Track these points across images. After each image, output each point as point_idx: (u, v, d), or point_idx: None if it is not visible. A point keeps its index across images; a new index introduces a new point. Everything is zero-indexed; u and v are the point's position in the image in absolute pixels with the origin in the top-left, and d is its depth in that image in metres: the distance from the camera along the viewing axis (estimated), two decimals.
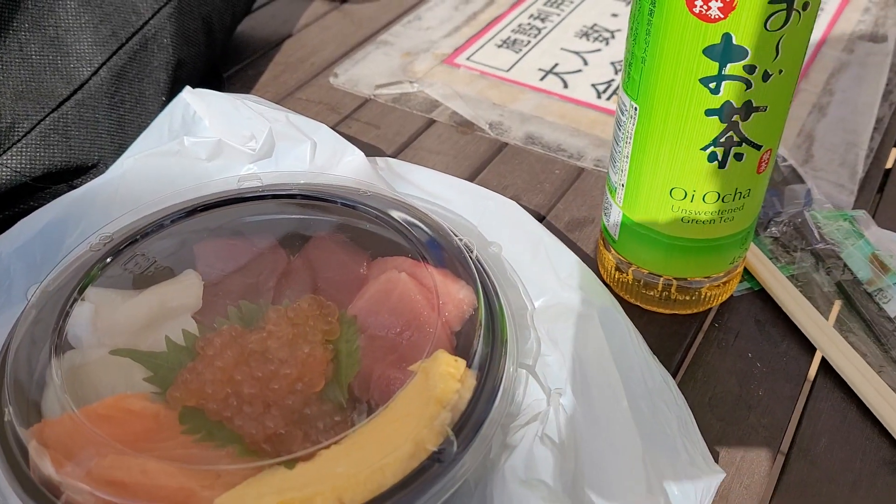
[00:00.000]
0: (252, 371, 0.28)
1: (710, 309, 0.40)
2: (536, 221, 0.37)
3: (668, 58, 0.31)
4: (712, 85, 0.31)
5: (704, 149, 0.32)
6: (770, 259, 0.41)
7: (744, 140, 0.32)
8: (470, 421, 0.26)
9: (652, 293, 0.39)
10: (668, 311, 0.39)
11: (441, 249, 0.32)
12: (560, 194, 0.47)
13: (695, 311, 0.39)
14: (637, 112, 0.34)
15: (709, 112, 0.31)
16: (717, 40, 0.29)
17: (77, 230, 0.38)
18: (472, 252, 0.32)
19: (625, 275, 0.39)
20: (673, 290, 0.39)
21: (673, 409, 0.31)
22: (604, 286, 0.34)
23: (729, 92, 0.31)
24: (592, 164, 0.48)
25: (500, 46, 0.59)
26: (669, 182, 0.34)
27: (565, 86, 0.55)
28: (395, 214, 0.34)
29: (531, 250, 0.36)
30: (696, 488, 0.28)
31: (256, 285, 0.33)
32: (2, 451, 0.26)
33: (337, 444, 0.27)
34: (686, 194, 0.34)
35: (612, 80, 0.55)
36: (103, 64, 0.43)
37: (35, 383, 0.28)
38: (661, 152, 0.33)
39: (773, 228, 0.43)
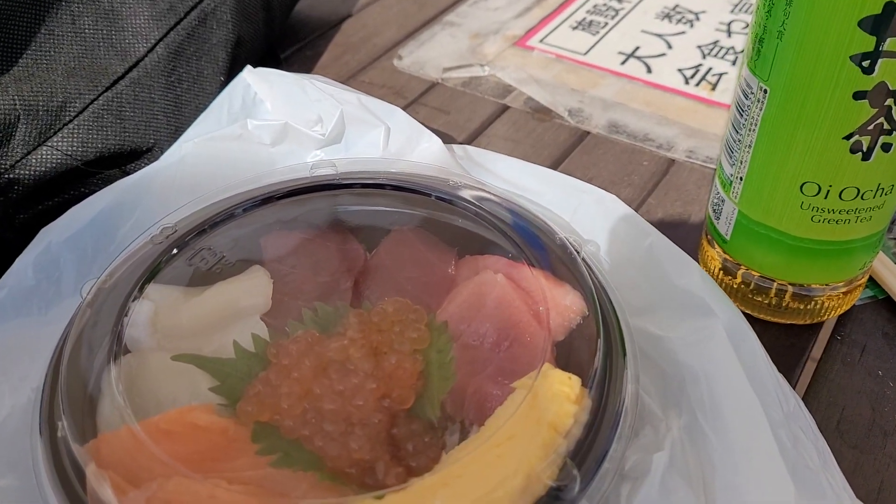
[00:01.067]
0: (333, 384, 0.25)
1: (827, 320, 0.35)
2: (643, 219, 0.33)
3: (814, 31, 0.27)
4: (866, 63, 0.26)
5: (848, 137, 0.28)
6: (895, 264, 0.37)
7: (895, 128, 0.28)
8: (592, 451, 0.23)
9: (761, 299, 0.35)
10: (780, 321, 0.35)
11: (543, 248, 0.29)
12: (651, 188, 0.42)
13: (809, 321, 0.35)
14: (767, 95, 0.29)
15: (857, 95, 0.27)
16: (878, 10, 0.25)
17: (132, 219, 0.35)
18: (579, 252, 0.29)
19: (733, 278, 0.35)
20: (787, 296, 0.34)
21: (811, 437, 0.27)
22: (725, 294, 0.30)
23: (885, 72, 0.26)
24: (684, 155, 0.44)
25: (575, 28, 0.55)
26: (801, 175, 0.30)
27: (649, 70, 0.51)
28: (488, 207, 0.30)
29: (638, 251, 0.32)
30: None
31: (332, 285, 0.29)
32: (55, 470, 0.22)
33: (431, 473, 0.23)
34: (820, 189, 0.30)
35: (700, 64, 0.51)
36: (160, 40, 0.40)
37: (90, 392, 0.25)
38: (795, 141, 0.29)
39: None
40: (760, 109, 0.30)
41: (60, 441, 0.23)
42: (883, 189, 0.30)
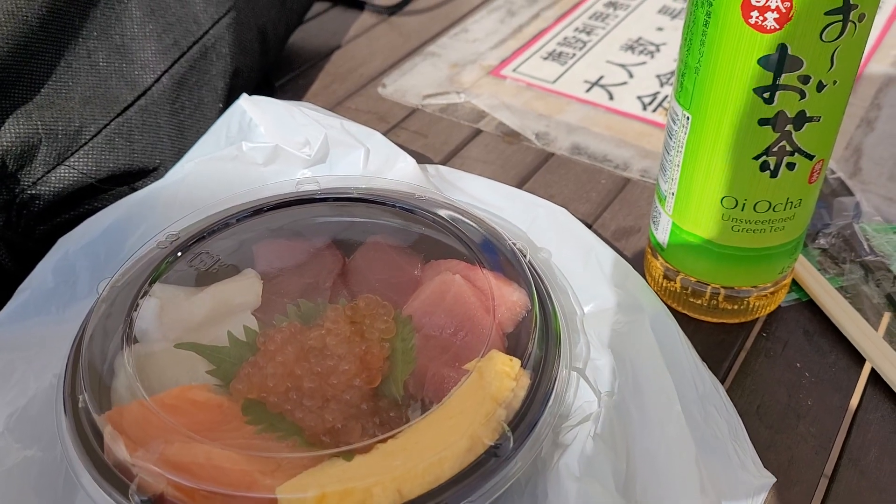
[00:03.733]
0: (312, 366, 0.29)
1: (757, 319, 0.40)
2: (587, 228, 0.38)
3: (723, 68, 0.31)
4: (766, 95, 0.31)
5: (757, 158, 0.33)
6: (818, 270, 0.41)
7: (796, 150, 0.33)
8: (525, 419, 0.27)
9: (699, 302, 0.39)
10: (715, 320, 0.40)
11: (494, 253, 0.33)
12: (606, 204, 0.47)
13: (742, 320, 0.39)
14: (689, 121, 0.34)
15: (762, 121, 0.32)
16: (773, 51, 0.30)
17: (139, 230, 0.39)
18: (525, 256, 0.33)
19: (672, 283, 0.39)
20: (721, 298, 0.39)
21: (723, 414, 0.31)
22: (654, 292, 0.34)
23: (783, 102, 0.31)
24: (639, 174, 0.49)
25: (545, 59, 0.60)
26: (720, 191, 0.34)
27: (611, 97, 0.55)
28: (449, 217, 0.35)
29: (582, 256, 0.36)
30: (747, 492, 0.29)
31: (314, 285, 0.34)
32: (77, 434, 0.27)
33: (394, 439, 0.27)
34: (737, 203, 0.34)
35: (658, 92, 0.56)
36: (165, 71, 0.44)
37: (105, 372, 0.29)
38: (713, 161, 0.34)
39: (821, 240, 0.43)
40: (685, 134, 0.35)
41: (81, 411, 0.27)
42: (791, 202, 0.34)
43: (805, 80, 0.30)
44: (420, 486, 0.25)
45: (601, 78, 0.57)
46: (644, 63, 0.59)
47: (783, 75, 0.30)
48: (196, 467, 0.26)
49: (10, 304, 0.37)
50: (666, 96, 0.55)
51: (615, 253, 0.36)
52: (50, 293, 0.37)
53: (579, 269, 0.36)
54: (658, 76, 0.57)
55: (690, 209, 0.36)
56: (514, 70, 0.59)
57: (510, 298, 0.32)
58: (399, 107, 0.56)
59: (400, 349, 0.31)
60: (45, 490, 0.30)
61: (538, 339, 0.29)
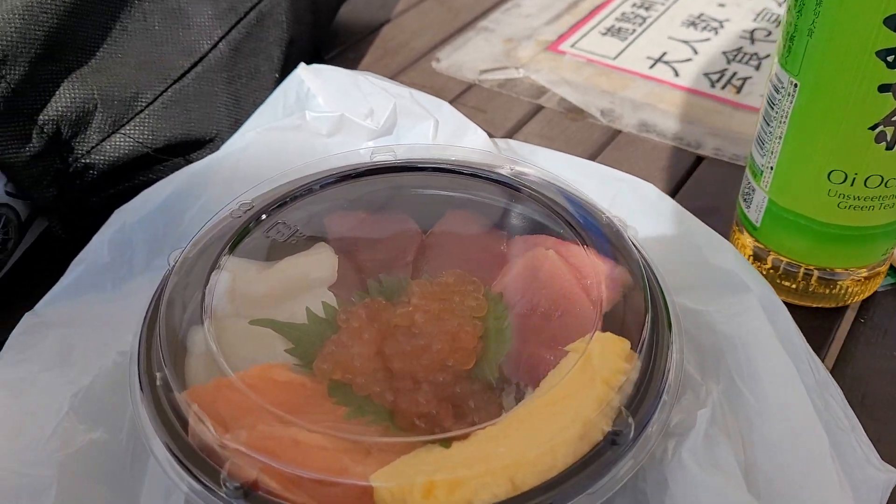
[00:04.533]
0: (401, 346, 0.27)
1: (848, 305, 0.37)
2: (679, 205, 0.35)
3: (843, 28, 0.29)
4: (890, 58, 0.29)
5: (873, 128, 0.30)
6: None
7: None
8: (643, 404, 0.25)
9: (790, 284, 0.37)
10: (805, 304, 0.37)
11: (590, 227, 0.31)
12: (680, 183, 0.45)
13: (834, 305, 0.37)
14: (797, 89, 0.32)
15: (882, 88, 0.29)
16: None
17: (199, 202, 0.37)
18: (625, 230, 0.31)
19: (762, 263, 0.37)
20: (813, 280, 0.36)
21: (839, 404, 0.29)
22: (758, 273, 0.32)
23: None
24: (712, 152, 0.46)
25: (604, 34, 0.57)
26: (829, 164, 0.32)
27: (676, 74, 0.53)
28: (538, 189, 0.33)
29: (675, 234, 0.34)
30: (874, 487, 0.26)
31: (393, 259, 0.32)
32: (157, 415, 0.25)
33: (493, 425, 0.25)
34: (846, 177, 0.32)
35: (726, 69, 0.53)
36: (222, 37, 0.42)
37: (178, 350, 0.27)
38: (823, 132, 0.32)
39: None
40: (791, 103, 0.32)
41: (160, 388, 0.25)
42: None
43: None
44: (534, 476, 0.23)
45: (664, 54, 0.55)
46: (708, 39, 0.56)
47: None
48: (285, 451, 0.24)
49: (65, 278, 0.35)
50: (735, 73, 0.53)
51: (712, 230, 0.34)
52: (105, 268, 0.35)
53: (674, 247, 0.34)
54: (724, 53, 0.55)
55: (792, 184, 0.34)
56: (572, 46, 0.56)
57: (609, 275, 0.29)
58: (455, 82, 0.53)
59: (493, 329, 0.29)
60: (112, 475, 0.28)
61: (651, 321, 0.27)
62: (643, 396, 0.25)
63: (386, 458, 0.24)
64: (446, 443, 0.25)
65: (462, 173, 0.34)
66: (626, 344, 0.26)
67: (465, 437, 0.25)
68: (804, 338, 0.31)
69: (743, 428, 0.27)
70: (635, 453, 0.24)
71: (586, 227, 0.31)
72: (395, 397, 0.26)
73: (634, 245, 0.30)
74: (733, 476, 0.24)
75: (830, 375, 0.30)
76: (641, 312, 0.27)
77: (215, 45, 0.42)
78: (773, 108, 0.33)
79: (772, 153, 0.34)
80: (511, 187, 0.33)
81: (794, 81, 0.32)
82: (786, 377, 0.27)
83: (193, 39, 0.41)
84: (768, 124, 0.34)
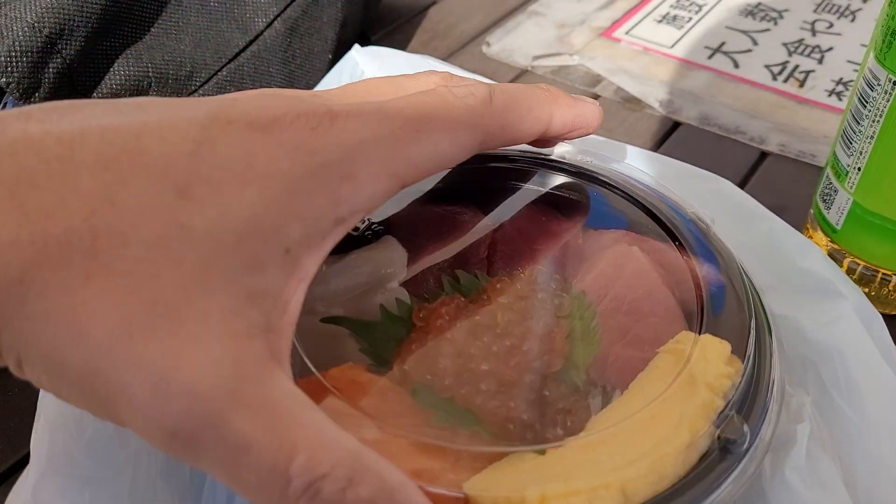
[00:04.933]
0: (487, 346, 0.26)
1: None
2: (757, 202, 0.34)
3: None
4: None
5: None
6: None
7: None
8: (753, 411, 0.23)
9: (865, 289, 0.35)
10: (882, 311, 0.36)
11: (675, 221, 0.30)
12: (745, 179, 0.43)
13: None
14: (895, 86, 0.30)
15: None
16: None
17: None
18: (710, 226, 0.29)
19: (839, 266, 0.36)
20: (891, 286, 0.35)
21: None
22: (849, 279, 0.30)
23: None
24: (777, 148, 0.45)
25: (659, 22, 0.56)
26: None
27: (736, 66, 0.51)
28: (614, 181, 0.31)
29: (755, 235, 0.33)
30: None
31: (464, 255, 0.30)
32: None
33: (587, 433, 0.24)
34: None
35: (787, 61, 0.51)
36: (278, 15, 0.41)
37: None
38: None
39: None
40: (887, 101, 0.31)
41: None
42: None
43: None
44: (645, 488, 0.22)
45: (723, 44, 0.53)
46: (768, 30, 0.54)
47: None
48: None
49: None
50: (797, 66, 0.51)
51: (795, 230, 0.32)
52: None
53: (755, 246, 0.32)
54: (785, 44, 0.53)
55: (882, 186, 0.32)
56: (627, 33, 0.55)
57: (696, 274, 0.28)
58: (507, 67, 0.52)
59: (579, 329, 0.27)
60: (173, 475, 0.27)
61: (756, 325, 0.26)
62: (752, 403, 0.24)
63: (476, 465, 0.23)
64: (542, 450, 0.24)
65: (532, 162, 0.32)
66: (727, 347, 0.25)
67: (560, 444, 0.24)
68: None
69: (841, 444, 0.26)
70: (747, 464, 0.22)
71: (671, 221, 0.29)
72: (484, 400, 0.25)
73: (721, 243, 0.29)
74: (841, 496, 0.23)
75: None
76: (741, 314, 0.26)
77: (271, 24, 0.40)
78: (865, 106, 0.32)
79: (861, 153, 0.33)
80: (586, 178, 0.32)
81: (893, 78, 0.30)
82: (889, 391, 0.26)
83: (249, 17, 0.40)
84: (858, 122, 0.32)
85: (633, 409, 0.24)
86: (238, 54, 0.39)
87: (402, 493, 0.19)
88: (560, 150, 0.33)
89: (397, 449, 0.23)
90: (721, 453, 0.22)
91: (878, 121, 0.31)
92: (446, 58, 0.53)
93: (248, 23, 0.40)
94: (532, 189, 0.33)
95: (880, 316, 0.29)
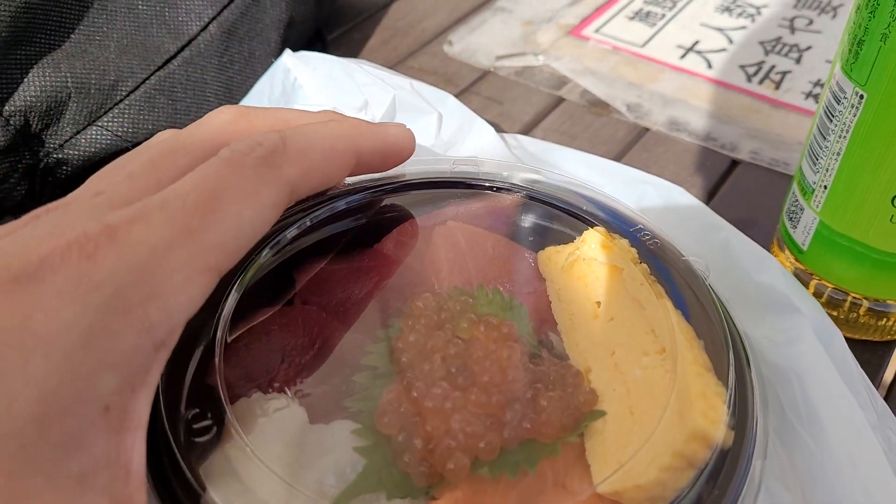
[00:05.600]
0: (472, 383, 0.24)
1: None
2: (714, 213, 0.31)
3: None
4: None
5: None
6: None
7: None
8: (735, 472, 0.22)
9: (834, 312, 0.33)
10: (850, 336, 0.33)
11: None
12: (714, 190, 0.41)
13: (881, 338, 0.34)
14: (863, 100, 0.28)
15: None
16: None
17: None
18: (707, 276, 0.27)
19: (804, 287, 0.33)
20: (861, 311, 0.33)
21: None
22: (808, 293, 0.28)
23: None
24: (749, 156, 0.43)
25: (631, 19, 0.53)
26: (894, 187, 0.28)
27: (709, 66, 0.49)
28: (551, 197, 0.30)
29: (710, 246, 0.30)
30: None
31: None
32: None
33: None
34: None
35: (763, 61, 0.49)
36: (213, 18, 0.38)
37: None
38: (890, 151, 0.28)
39: None
40: (854, 115, 0.28)
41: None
42: None
43: None
44: None
45: (696, 43, 0.51)
46: (744, 27, 0.52)
47: None
48: None
49: None
50: (773, 66, 0.48)
51: (751, 240, 0.30)
52: None
53: (708, 259, 0.30)
54: (762, 43, 0.50)
55: (849, 207, 0.30)
56: (596, 31, 0.52)
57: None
58: (468, 68, 0.49)
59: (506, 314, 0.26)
60: None
61: (735, 362, 0.24)
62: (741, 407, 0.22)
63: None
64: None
65: (459, 185, 0.30)
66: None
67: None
68: (861, 370, 0.27)
69: (804, 478, 0.24)
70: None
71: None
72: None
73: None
74: None
75: (886, 406, 0.27)
76: (728, 352, 0.24)
77: (206, 27, 0.38)
78: (831, 120, 0.30)
79: (827, 171, 0.30)
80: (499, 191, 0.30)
81: (861, 92, 0.28)
82: (851, 421, 0.24)
83: (182, 20, 0.37)
84: (824, 138, 0.30)
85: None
86: (168, 61, 0.36)
87: None
88: (492, 168, 0.31)
89: None
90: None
91: (844, 136, 0.29)
92: (406, 57, 0.50)
93: (179, 27, 0.37)
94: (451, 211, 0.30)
95: (840, 333, 0.27)
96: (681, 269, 0.27)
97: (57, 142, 0.34)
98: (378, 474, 0.22)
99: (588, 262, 0.27)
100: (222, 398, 0.22)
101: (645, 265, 0.26)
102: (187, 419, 0.22)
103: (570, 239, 0.28)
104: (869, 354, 0.33)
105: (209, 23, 0.38)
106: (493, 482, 0.22)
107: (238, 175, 0.21)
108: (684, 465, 0.21)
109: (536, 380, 0.23)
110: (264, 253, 0.27)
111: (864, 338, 0.33)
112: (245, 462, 0.21)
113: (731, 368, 0.23)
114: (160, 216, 0.19)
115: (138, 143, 0.35)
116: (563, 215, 0.29)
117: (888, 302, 0.32)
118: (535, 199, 0.30)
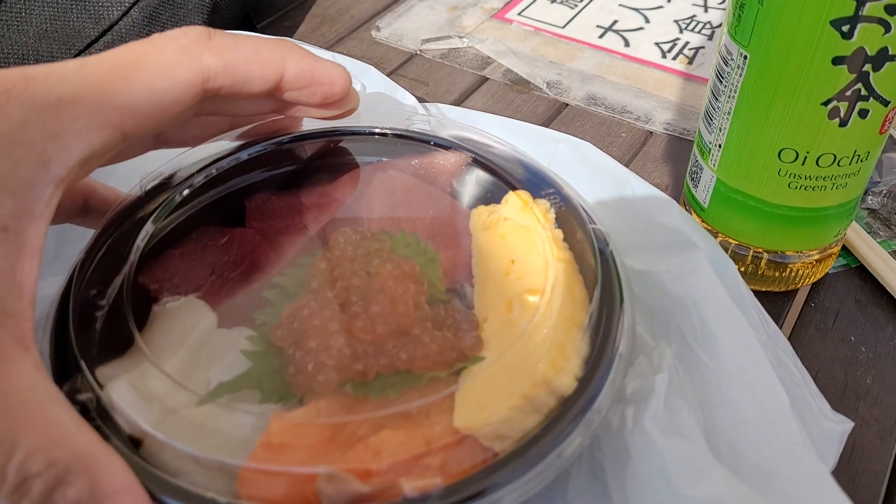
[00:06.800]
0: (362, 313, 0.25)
1: (799, 288, 0.36)
2: (618, 162, 0.33)
3: None
4: (845, 28, 0.27)
5: (826, 103, 0.29)
6: (868, 233, 0.37)
7: (871, 94, 0.28)
8: (596, 371, 0.23)
9: (738, 266, 0.35)
10: (754, 288, 0.36)
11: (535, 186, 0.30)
12: (629, 159, 0.43)
13: (783, 289, 0.36)
14: (747, 61, 0.30)
15: (836, 60, 0.27)
16: None
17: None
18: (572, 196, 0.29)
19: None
20: (762, 263, 0.35)
21: (790, 358, 0.27)
22: (703, 228, 0.30)
23: (863, 37, 0.27)
24: (662, 127, 0.44)
25: (553, 2, 0.55)
26: (780, 142, 0.30)
27: (626, 44, 0.51)
28: (465, 145, 0.32)
29: (617, 195, 0.32)
30: (831, 440, 0.25)
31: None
32: None
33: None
34: (798, 156, 0.30)
35: (678, 38, 0.51)
36: (134, 4, 0.39)
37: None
38: (774, 107, 0.30)
39: (870, 199, 0.39)
40: (740, 76, 0.30)
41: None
42: (859, 155, 0.30)
43: (892, 10, 0.26)
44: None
45: (615, 23, 0.53)
46: (660, 7, 0.54)
47: (867, 4, 0.26)
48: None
49: None
50: (687, 42, 0.50)
51: (654, 187, 0.32)
52: None
53: (616, 206, 0.31)
54: (676, 21, 0.52)
55: (741, 164, 0.32)
56: (519, 14, 0.54)
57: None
58: (395, 52, 0.51)
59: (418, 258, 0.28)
60: None
61: (602, 285, 0.25)
62: (595, 363, 0.23)
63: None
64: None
65: (387, 135, 0.32)
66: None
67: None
68: (751, 294, 0.29)
69: (699, 391, 0.25)
70: (591, 416, 0.22)
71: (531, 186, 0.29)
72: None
73: (586, 211, 0.29)
74: (697, 442, 0.23)
75: (778, 330, 0.29)
76: (595, 274, 0.26)
77: (127, 12, 0.38)
78: (721, 82, 0.31)
79: (720, 130, 0.32)
80: (444, 148, 0.32)
81: (744, 53, 0.30)
82: (741, 337, 0.26)
83: (102, 5, 0.38)
84: (717, 99, 0.32)
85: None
86: (89, 45, 0.37)
87: (113, 500, 0.18)
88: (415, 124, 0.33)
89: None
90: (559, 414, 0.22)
91: (733, 97, 0.31)
92: (334, 44, 0.51)
93: (100, 12, 0.38)
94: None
95: (733, 264, 0.29)
96: (587, 235, 0.28)
97: None
98: (259, 378, 0.24)
99: (508, 223, 0.29)
100: (129, 288, 0.25)
101: (560, 231, 0.28)
102: (88, 296, 0.25)
103: (500, 200, 0.30)
104: (770, 305, 0.35)
105: (130, 7, 0.38)
106: (358, 400, 0.23)
107: (159, 52, 0.23)
108: (530, 408, 0.22)
109: (428, 319, 0.25)
110: (219, 174, 0.30)
111: (766, 289, 0.35)
112: (137, 353, 0.24)
113: (602, 330, 0.25)
114: (76, 74, 0.21)
115: None
116: (496, 177, 0.31)
117: (786, 253, 0.34)
118: (479, 159, 0.31)
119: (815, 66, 0.28)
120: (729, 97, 0.31)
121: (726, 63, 0.31)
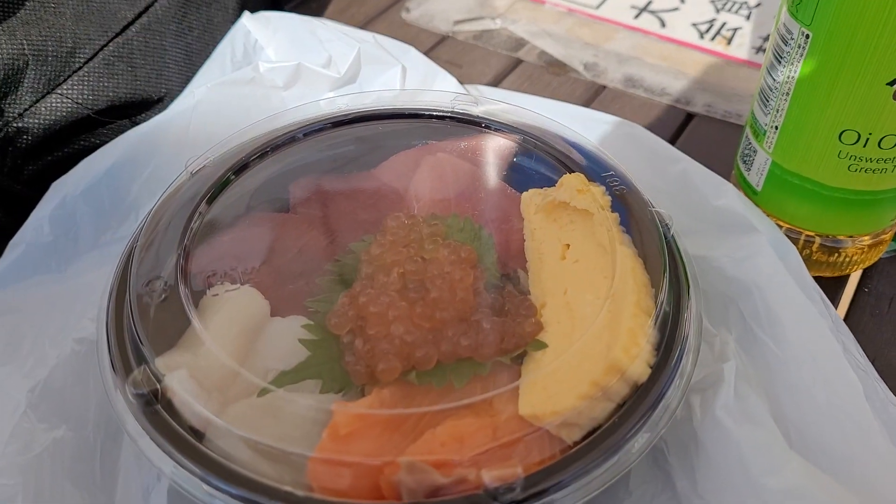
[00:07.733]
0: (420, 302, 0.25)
1: (850, 274, 0.35)
2: (672, 146, 0.32)
3: None
4: None
5: (891, 83, 0.28)
6: None
7: None
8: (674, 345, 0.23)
9: None
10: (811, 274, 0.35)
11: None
12: (671, 142, 0.42)
13: (834, 274, 0.35)
14: (809, 40, 0.29)
15: None
16: None
17: (147, 170, 0.34)
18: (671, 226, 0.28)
19: None
20: (815, 248, 0.34)
21: (854, 345, 0.27)
22: (762, 212, 0.29)
23: None
24: (703, 109, 0.44)
25: None
26: (841, 123, 0.29)
27: (662, 25, 0.50)
28: (522, 129, 0.31)
29: (670, 177, 0.31)
30: None
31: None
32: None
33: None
34: (859, 138, 0.29)
35: (714, 19, 0.50)
36: None
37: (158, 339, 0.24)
38: (836, 88, 0.29)
39: None
40: (801, 55, 0.29)
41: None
42: None
43: None
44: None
45: (650, 3, 0.52)
46: None
47: None
48: None
49: (3, 261, 0.31)
50: (724, 23, 0.50)
51: (708, 169, 0.31)
52: (48, 247, 0.32)
53: (672, 191, 0.31)
54: (713, 1, 0.51)
55: (799, 146, 0.31)
56: None
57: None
58: (427, 33, 0.50)
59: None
60: (81, 477, 0.25)
61: (668, 271, 0.25)
62: (667, 350, 0.23)
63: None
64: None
65: (436, 117, 0.31)
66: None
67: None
68: (814, 281, 0.28)
69: (764, 377, 0.25)
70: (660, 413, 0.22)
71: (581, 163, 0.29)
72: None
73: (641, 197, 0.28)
74: (771, 430, 0.22)
75: (839, 317, 0.28)
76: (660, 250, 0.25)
77: None
78: (779, 62, 0.31)
79: (777, 111, 0.31)
80: (494, 131, 0.31)
81: (806, 32, 0.29)
82: (809, 322, 0.25)
83: None
84: (774, 79, 0.31)
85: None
86: (126, 27, 0.36)
87: None
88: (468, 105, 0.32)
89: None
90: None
91: (792, 77, 0.30)
92: (363, 25, 0.51)
93: None
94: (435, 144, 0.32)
95: (795, 248, 0.28)
96: (648, 220, 0.27)
97: (16, 111, 0.33)
98: (318, 367, 0.24)
99: (563, 206, 0.28)
100: (184, 276, 0.25)
101: (617, 214, 0.27)
102: (143, 286, 0.25)
103: (553, 182, 0.29)
104: (822, 290, 0.34)
105: None
106: (423, 389, 0.23)
107: None
108: (601, 395, 0.22)
109: (487, 305, 0.24)
110: (265, 162, 0.29)
111: (817, 274, 0.35)
112: (196, 343, 0.23)
113: (671, 317, 0.24)
114: None
115: (99, 111, 0.35)
116: (549, 159, 0.30)
117: (839, 238, 0.33)
118: (529, 141, 0.31)
119: (883, 45, 0.27)
120: (788, 77, 0.30)
121: (785, 42, 0.30)
